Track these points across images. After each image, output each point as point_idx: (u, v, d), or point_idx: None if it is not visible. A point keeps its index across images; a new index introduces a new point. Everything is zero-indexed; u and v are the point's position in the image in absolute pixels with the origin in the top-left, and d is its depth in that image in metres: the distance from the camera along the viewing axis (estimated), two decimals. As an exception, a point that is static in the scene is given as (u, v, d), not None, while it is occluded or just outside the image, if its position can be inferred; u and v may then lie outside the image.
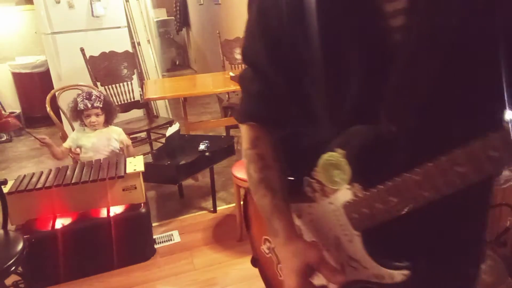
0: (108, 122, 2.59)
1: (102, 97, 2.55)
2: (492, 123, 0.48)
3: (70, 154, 2.50)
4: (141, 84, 3.76)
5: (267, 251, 0.94)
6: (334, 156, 0.66)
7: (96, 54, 3.49)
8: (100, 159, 2.41)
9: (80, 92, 2.56)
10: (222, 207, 2.81)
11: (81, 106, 2.46)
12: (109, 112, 2.58)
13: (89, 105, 2.46)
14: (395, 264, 0.64)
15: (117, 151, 2.57)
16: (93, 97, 2.49)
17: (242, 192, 2.38)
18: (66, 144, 2.52)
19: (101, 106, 2.52)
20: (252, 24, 0.73)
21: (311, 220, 0.75)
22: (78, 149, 2.50)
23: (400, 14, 0.57)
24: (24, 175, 2.26)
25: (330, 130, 0.67)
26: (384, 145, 0.60)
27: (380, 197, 0.61)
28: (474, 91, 0.57)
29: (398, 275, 0.64)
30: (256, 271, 2.09)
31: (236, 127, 3.16)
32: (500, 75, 0.52)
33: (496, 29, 0.52)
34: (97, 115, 2.50)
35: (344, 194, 0.67)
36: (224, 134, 3.63)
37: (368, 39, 0.59)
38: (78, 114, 2.51)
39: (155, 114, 4.49)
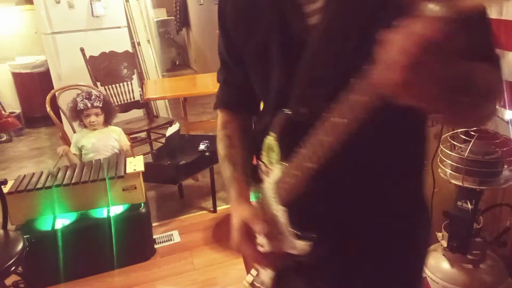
0: (107, 122, 2.59)
1: (101, 97, 2.55)
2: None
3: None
4: (141, 84, 3.76)
5: None
6: (270, 139, 0.76)
7: (96, 54, 3.49)
8: (100, 159, 2.41)
9: (79, 92, 2.56)
10: (222, 207, 2.81)
11: (80, 105, 2.46)
12: (108, 112, 2.58)
13: (89, 105, 2.46)
14: (304, 236, 0.73)
15: (117, 151, 2.57)
16: (93, 96, 2.49)
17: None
18: (72, 150, 2.53)
19: (100, 105, 2.52)
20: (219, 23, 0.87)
21: (262, 198, 0.82)
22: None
23: (316, 14, 0.67)
24: (24, 175, 2.26)
25: (270, 116, 0.76)
26: (300, 125, 0.67)
27: (298, 166, 0.68)
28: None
29: (304, 245, 0.72)
30: (256, 271, 2.07)
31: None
32: None
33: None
34: (96, 114, 2.50)
35: (276, 172, 0.75)
36: (224, 134, 3.62)
37: (288, 36, 0.70)
38: (78, 114, 2.51)
39: (155, 114, 4.49)
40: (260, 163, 0.82)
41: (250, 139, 0.90)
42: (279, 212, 0.75)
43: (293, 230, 0.74)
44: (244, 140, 0.90)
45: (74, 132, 2.66)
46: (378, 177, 0.73)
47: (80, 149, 2.50)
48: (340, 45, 0.66)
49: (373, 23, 0.56)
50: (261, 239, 0.79)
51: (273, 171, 0.77)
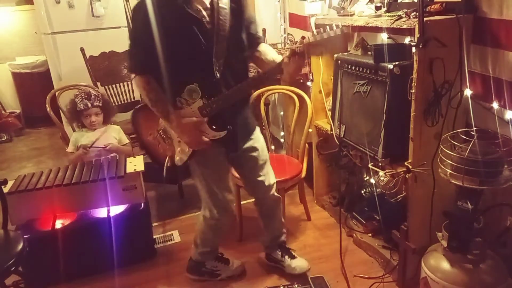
0: (106, 121, 2.59)
1: (100, 96, 2.55)
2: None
3: (82, 150, 2.47)
4: (141, 84, 3.75)
5: (150, 138, 1.90)
6: (193, 86, 1.61)
7: (96, 54, 3.49)
8: (100, 159, 2.41)
9: (77, 93, 2.55)
10: (222, 207, 2.81)
11: (80, 106, 2.46)
12: (107, 111, 2.58)
13: (89, 105, 2.46)
14: (221, 130, 1.68)
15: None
16: (92, 96, 2.49)
17: (242, 192, 2.38)
18: (69, 149, 2.52)
19: (100, 105, 2.51)
20: (136, 22, 1.65)
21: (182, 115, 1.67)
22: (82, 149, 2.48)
23: (206, 20, 1.59)
24: (24, 175, 2.26)
25: (188, 77, 1.61)
26: (213, 82, 1.61)
27: (214, 103, 1.63)
28: (242, 58, 1.72)
29: (223, 133, 1.68)
30: (256, 271, 2.10)
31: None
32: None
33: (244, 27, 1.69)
34: (96, 114, 2.50)
35: (198, 103, 1.64)
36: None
37: (192, 34, 1.57)
38: (78, 115, 2.51)
39: (155, 114, 4.49)
40: (180, 99, 1.65)
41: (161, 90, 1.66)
42: (204, 122, 1.66)
43: (212, 128, 1.68)
44: (161, 91, 1.65)
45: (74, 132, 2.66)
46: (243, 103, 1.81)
47: (78, 148, 2.50)
48: (221, 42, 1.61)
49: (233, 29, 1.61)
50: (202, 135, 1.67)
51: (195, 103, 1.63)
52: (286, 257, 2.15)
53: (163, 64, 1.56)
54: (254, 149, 1.91)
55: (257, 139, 1.93)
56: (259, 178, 1.96)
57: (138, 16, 1.59)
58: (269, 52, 1.77)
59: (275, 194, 2.06)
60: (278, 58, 1.64)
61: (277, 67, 1.57)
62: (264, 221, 2.14)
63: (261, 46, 1.80)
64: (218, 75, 1.61)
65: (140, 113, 1.92)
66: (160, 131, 1.83)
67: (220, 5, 1.59)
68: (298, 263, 2.12)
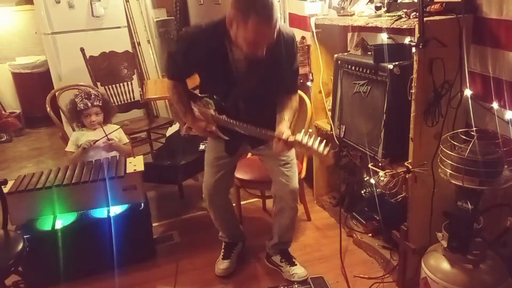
0: (106, 121, 2.59)
1: (100, 96, 2.55)
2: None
3: (86, 144, 2.44)
4: (141, 84, 3.76)
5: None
6: (209, 100, 1.83)
7: (96, 54, 3.49)
8: (100, 159, 2.41)
9: (77, 93, 2.55)
10: (222, 207, 2.81)
11: (81, 105, 2.45)
12: (107, 111, 2.58)
13: (89, 104, 2.46)
14: (225, 134, 1.89)
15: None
16: (92, 96, 2.49)
17: (242, 192, 2.38)
18: (69, 148, 2.51)
19: (100, 104, 2.51)
20: (178, 46, 1.88)
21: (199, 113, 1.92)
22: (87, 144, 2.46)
23: (242, 65, 1.77)
24: (24, 175, 2.26)
25: (207, 93, 1.84)
26: (224, 107, 1.82)
27: (222, 120, 1.82)
28: (266, 100, 1.87)
29: (225, 136, 1.89)
30: (256, 271, 2.11)
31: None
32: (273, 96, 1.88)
33: (274, 77, 1.80)
34: (96, 114, 2.50)
35: (211, 112, 1.84)
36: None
37: (226, 71, 1.77)
38: (78, 115, 2.50)
39: (155, 114, 4.49)
40: (196, 104, 1.90)
41: (188, 96, 1.93)
42: (215, 123, 1.88)
43: (220, 131, 1.89)
44: (186, 96, 1.92)
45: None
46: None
47: (78, 147, 2.49)
48: (248, 85, 1.79)
49: (263, 79, 1.78)
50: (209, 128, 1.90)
51: (209, 111, 1.85)
52: (286, 263, 2.14)
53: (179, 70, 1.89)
54: (265, 156, 2.03)
55: (269, 148, 1.87)
56: (279, 177, 1.97)
57: (182, 44, 1.83)
58: (281, 115, 1.80)
59: (293, 202, 2.02)
60: (276, 131, 1.69)
61: (269, 137, 1.70)
62: (275, 224, 2.12)
63: (284, 98, 1.86)
64: (228, 104, 1.82)
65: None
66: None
67: (264, 57, 1.65)
68: (297, 271, 2.10)
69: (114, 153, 2.54)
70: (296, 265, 2.14)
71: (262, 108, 1.83)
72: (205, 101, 1.85)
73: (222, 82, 1.80)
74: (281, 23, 1.83)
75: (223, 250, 2.26)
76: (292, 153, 2.03)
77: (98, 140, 2.44)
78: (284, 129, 1.69)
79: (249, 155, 2.55)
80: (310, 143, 1.53)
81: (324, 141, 1.52)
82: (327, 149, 1.50)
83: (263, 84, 1.79)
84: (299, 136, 1.58)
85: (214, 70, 1.79)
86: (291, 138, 1.60)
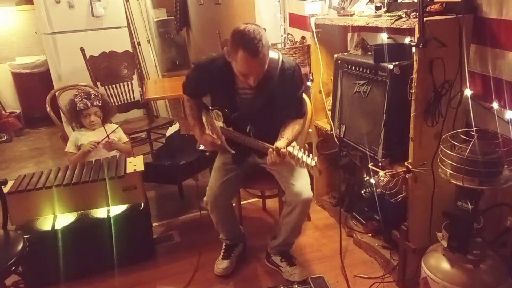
0: (106, 121, 2.59)
1: (99, 96, 2.55)
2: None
3: (90, 147, 2.44)
4: (141, 84, 3.76)
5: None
6: (219, 112, 2.05)
7: (96, 54, 3.48)
8: (100, 159, 2.41)
9: (76, 92, 2.55)
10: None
11: (80, 105, 2.45)
12: (107, 111, 2.58)
13: (89, 104, 2.45)
14: (231, 147, 2.07)
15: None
16: (92, 96, 2.49)
17: (242, 192, 2.38)
18: (69, 149, 2.51)
19: (100, 104, 2.51)
20: (192, 73, 2.11)
21: (209, 124, 2.14)
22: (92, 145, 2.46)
23: (247, 92, 1.96)
24: (24, 175, 2.26)
25: (220, 107, 2.06)
26: (232, 121, 2.03)
27: (230, 132, 2.04)
28: (270, 123, 1.99)
29: (232, 149, 2.07)
30: (256, 271, 2.11)
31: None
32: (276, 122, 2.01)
33: (276, 104, 1.95)
34: (96, 114, 2.50)
35: (220, 124, 2.07)
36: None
37: (230, 98, 2.00)
38: (77, 115, 2.50)
39: (155, 114, 4.49)
40: (207, 117, 2.13)
41: (200, 109, 2.15)
42: (222, 137, 2.06)
43: (227, 144, 2.07)
44: (197, 109, 2.14)
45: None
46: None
47: (78, 148, 2.49)
48: (252, 110, 1.97)
49: (265, 106, 1.94)
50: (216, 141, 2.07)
51: (218, 123, 2.07)
52: (285, 263, 2.15)
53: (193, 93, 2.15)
54: (272, 170, 2.08)
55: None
56: (292, 187, 1.97)
57: (195, 72, 2.08)
58: (281, 134, 1.94)
59: (305, 209, 2.02)
60: (276, 144, 1.83)
61: (265, 148, 1.86)
62: (282, 226, 2.10)
63: (288, 121, 1.99)
64: (235, 119, 2.01)
65: None
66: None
67: (266, 87, 1.88)
68: (296, 271, 2.10)
69: (114, 153, 2.54)
70: (295, 265, 2.14)
71: (267, 129, 1.97)
72: (216, 113, 2.07)
73: (229, 107, 2.00)
74: (283, 56, 1.95)
75: (223, 251, 2.26)
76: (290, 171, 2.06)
77: (100, 141, 2.44)
78: (279, 144, 1.83)
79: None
80: (299, 155, 1.73)
81: (311, 154, 1.75)
82: (314, 161, 1.71)
83: (266, 110, 1.96)
84: (290, 149, 1.78)
85: (222, 96, 2.04)
86: (283, 150, 1.77)
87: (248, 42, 1.69)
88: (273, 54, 1.88)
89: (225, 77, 1.92)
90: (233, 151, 2.07)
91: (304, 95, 2.14)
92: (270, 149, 1.81)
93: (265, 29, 3.46)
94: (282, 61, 1.90)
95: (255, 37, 1.69)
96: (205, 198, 2.11)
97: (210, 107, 2.11)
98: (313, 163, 1.70)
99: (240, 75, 1.81)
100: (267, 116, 1.98)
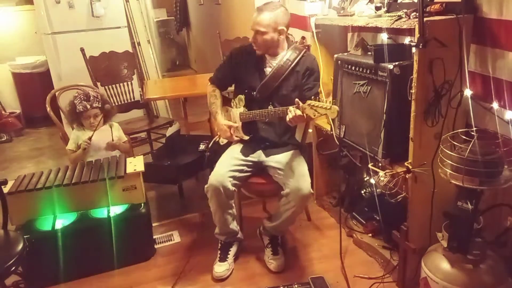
0: (106, 122, 2.58)
1: (99, 97, 2.54)
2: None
3: (84, 145, 2.43)
4: (141, 84, 3.75)
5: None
6: (241, 96, 2.26)
7: (96, 54, 3.48)
8: (100, 159, 2.41)
9: (76, 94, 2.54)
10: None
11: (80, 108, 2.44)
12: (107, 112, 2.57)
13: (88, 106, 2.45)
14: (247, 134, 2.27)
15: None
16: (91, 98, 2.48)
17: (242, 192, 2.38)
18: (70, 146, 2.50)
19: (99, 106, 2.51)
20: (225, 61, 2.38)
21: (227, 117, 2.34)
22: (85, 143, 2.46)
23: (269, 71, 2.21)
24: (24, 175, 2.26)
25: (240, 91, 2.28)
26: (254, 100, 2.22)
27: (254, 114, 2.18)
28: (285, 95, 2.18)
29: (246, 137, 2.26)
30: (256, 271, 2.11)
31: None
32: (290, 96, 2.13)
33: (297, 85, 2.18)
34: (96, 115, 2.49)
35: (241, 109, 2.26)
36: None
37: (255, 77, 2.23)
38: (77, 116, 2.49)
39: (155, 114, 4.49)
40: (234, 101, 2.30)
41: (222, 99, 2.34)
42: (239, 123, 2.26)
43: (243, 131, 2.27)
44: (220, 99, 2.33)
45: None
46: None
47: (79, 146, 2.49)
48: (272, 85, 2.19)
49: (282, 83, 2.17)
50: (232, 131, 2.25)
51: (239, 108, 2.27)
52: (270, 250, 2.23)
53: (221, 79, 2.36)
54: (277, 163, 2.15)
55: (281, 163, 2.14)
56: (292, 183, 2.04)
57: (228, 60, 2.32)
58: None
59: (303, 203, 2.10)
60: (288, 108, 1.97)
61: (285, 111, 1.98)
62: (279, 213, 2.16)
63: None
64: (257, 95, 2.20)
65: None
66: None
67: (284, 66, 2.16)
68: (274, 262, 2.18)
69: (114, 153, 2.54)
70: (278, 255, 2.20)
71: (280, 99, 2.17)
72: (238, 99, 2.27)
73: (253, 87, 2.21)
74: (308, 52, 2.26)
75: (219, 252, 2.26)
76: (302, 161, 2.16)
77: (91, 136, 2.43)
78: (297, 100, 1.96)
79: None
80: (317, 103, 1.83)
81: (328, 100, 1.90)
82: (329, 103, 1.82)
83: (286, 89, 2.17)
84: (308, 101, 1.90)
85: (248, 77, 2.23)
86: (301, 103, 1.89)
87: (262, 5, 2.08)
88: (297, 49, 2.19)
89: (252, 58, 2.20)
90: (247, 137, 2.25)
91: None
92: (290, 108, 1.92)
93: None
94: (307, 53, 2.21)
95: (269, 4, 2.09)
96: (206, 185, 2.12)
97: (232, 98, 2.34)
98: (329, 106, 1.80)
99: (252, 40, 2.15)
100: (287, 96, 2.14)
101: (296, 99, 1.90)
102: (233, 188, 2.12)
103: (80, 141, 2.48)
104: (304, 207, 2.20)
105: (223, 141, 2.36)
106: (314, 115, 1.83)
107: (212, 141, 2.43)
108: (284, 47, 2.19)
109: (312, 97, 2.02)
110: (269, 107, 2.16)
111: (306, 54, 2.20)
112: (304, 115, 1.86)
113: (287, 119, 1.94)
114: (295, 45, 2.23)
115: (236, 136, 2.26)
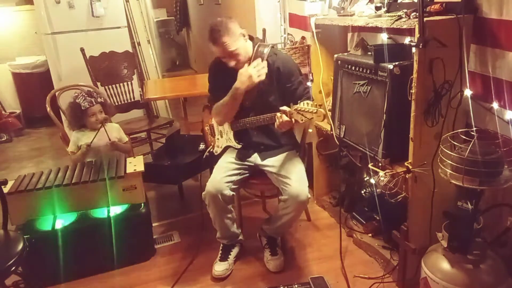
0: (107, 119, 2.58)
1: (99, 93, 2.55)
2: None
3: (84, 149, 2.44)
4: (141, 84, 3.76)
5: (206, 129, 2.52)
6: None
7: (96, 54, 3.48)
8: (100, 159, 2.40)
9: (76, 94, 2.53)
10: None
11: (85, 104, 2.43)
12: (107, 110, 2.58)
13: (93, 102, 2.45)
14: (238, 142, 2.26)
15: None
16: (94, 94, 2.49)
17: (242, 192, 2.38)
18: (71, 148, 2.50)
19: (103, 101, 2.51)
20: (208, 77, 2.35)
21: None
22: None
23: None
24: (24, 175, 2.26)
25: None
26: (243, 111, 2.18)
27: (243, 122, 2.19)
28: (269, 106, 2.11)
29: (238, 145, 2.25)
30: (256, 271, 2.10)
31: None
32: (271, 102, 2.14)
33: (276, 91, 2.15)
34: (100, 111, 2.49)
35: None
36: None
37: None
38: (82, 116, 2.47)
39: (155, 114, 4.49)
40: None
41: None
42: (231, 132, 2.26)
43: (234, 138, 2.27)
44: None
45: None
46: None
47: (79, 148, 2.49)
48: (258, 100, 2.15)
49: (268, 94, 2.15)
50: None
51: None
52: (268, 250, 2.24)
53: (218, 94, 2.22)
54: (274, 167, 2.13)
55: (277, 167, 2.13)
56: (289, 188, 2.03)
57: (209, 75, 2.33)
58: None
59: (302, 208, 2.11)
60: (281, 108, 1.94)
61: (273, 118, 1.99)
62: (277, 216, 2.16)
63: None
64: (247, 104, 2.16)
65: (206, 109, 2.50)
66: (210, 125, 2.46)
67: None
68: (272, 262, 2.19)
69: (115, 150, 2.53)
70: (276, 255, 2.20)
71: (266, 107, 2.13)
72: None
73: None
74: (277, 50, 2.23)
75: (220, 252, 2.27)
76: (299, 162, 2.17)
77: (92, 140, 2.43)
78: (284, 107, 1.93)
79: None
80: (303, 107, 1.83)
81: (311, 102, 1.89)
82: (315, 108, 1.82)
83: (265, 97, 2.15)
84: (295, 106, 1.88)
85: (227, 89, 2.12)
86: (288, 109, 1.88)
87: (210, 33, 2.04)
88: (263, 48, 2.13)
89: (228, 68, 2.11)
90: (239, 145, 2.23)
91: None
92: (278, 114, 1.92)
93: (265, 29, 3.51)
94: (274, 53, 2.15)
95: (215, 29, 2.02)
96: (203, 193, 2.12)
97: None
98: (314, 110, 1.80)
99: (222, 59, 2.10)
100: (267, 104, 2.13)
101: (282, 108, 1.89)
102: (231, 193, 2.12)
103: (80, 142, 2.48)
104: (302, 211, 2.20)
105: (217, 150, 2.37)
106: (302, 120, 1.84)
107: (206, 151, 2.44)
108: (249, 50, 2.12)
109: (304, 96, 2.07)
110: (250, 114, 2.15)
111: (272, 54, 2.14)
112: (292, 120, 1.87)
113: (275, 125, 1.95)
114: (260, 43, 2.17)
115: (263, 67, 2.10)
